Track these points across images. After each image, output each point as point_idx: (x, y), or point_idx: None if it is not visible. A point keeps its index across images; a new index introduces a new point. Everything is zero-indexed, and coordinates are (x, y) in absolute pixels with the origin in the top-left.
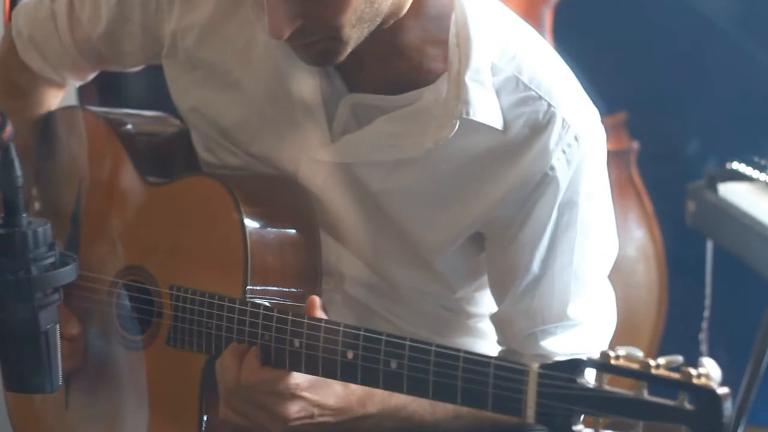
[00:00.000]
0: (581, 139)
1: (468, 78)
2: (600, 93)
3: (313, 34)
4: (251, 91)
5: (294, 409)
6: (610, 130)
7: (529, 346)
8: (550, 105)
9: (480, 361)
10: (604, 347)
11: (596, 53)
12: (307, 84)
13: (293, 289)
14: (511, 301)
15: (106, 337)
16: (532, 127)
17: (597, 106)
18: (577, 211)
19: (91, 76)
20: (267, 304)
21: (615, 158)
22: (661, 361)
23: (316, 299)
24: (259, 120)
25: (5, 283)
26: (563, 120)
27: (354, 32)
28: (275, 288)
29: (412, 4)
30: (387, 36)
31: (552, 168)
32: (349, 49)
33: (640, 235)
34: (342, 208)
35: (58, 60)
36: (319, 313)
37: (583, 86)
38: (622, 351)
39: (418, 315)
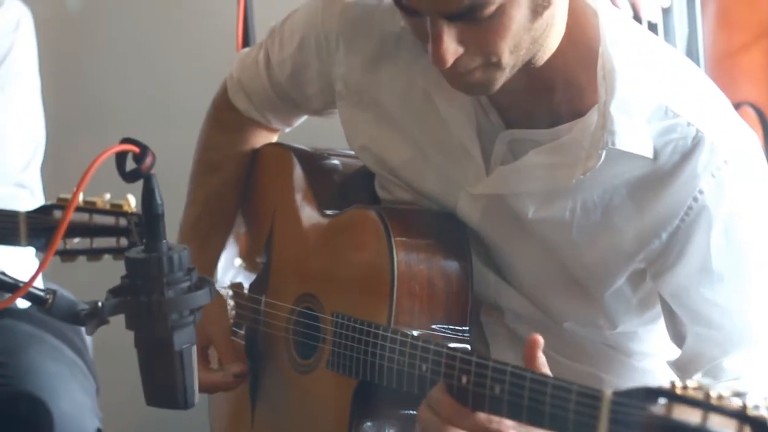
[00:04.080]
0: (731, 163)
1: (613, 108)
2: None
3: (473, 61)
4: (413, 132)
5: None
6: None
7: (715, 376)
8: (698, 130)
9: (564, 387)
10: None
11: None
12: (464, 123)
13: (440, 320)
14: (689, 336)
15: (284, 361)
16: (681, 153)
17: None
18: (737, 235)
19: (296, 122)
20: (414, 333)
21: None
22: (724, 390)
23: (538, 339)
24: (421, 159)
25: (140, 304)
26: (712, 144)
27: (511, 59)
28: (422, 318)
29: (563, 39)
30: (541, 72)
31: (701, 191)
32: (504, 77)
33: None
34: (501, 241)
35: (261, 102)
36: (540, 356)
37: None
38: (692, 382)
39: (580, 351)
